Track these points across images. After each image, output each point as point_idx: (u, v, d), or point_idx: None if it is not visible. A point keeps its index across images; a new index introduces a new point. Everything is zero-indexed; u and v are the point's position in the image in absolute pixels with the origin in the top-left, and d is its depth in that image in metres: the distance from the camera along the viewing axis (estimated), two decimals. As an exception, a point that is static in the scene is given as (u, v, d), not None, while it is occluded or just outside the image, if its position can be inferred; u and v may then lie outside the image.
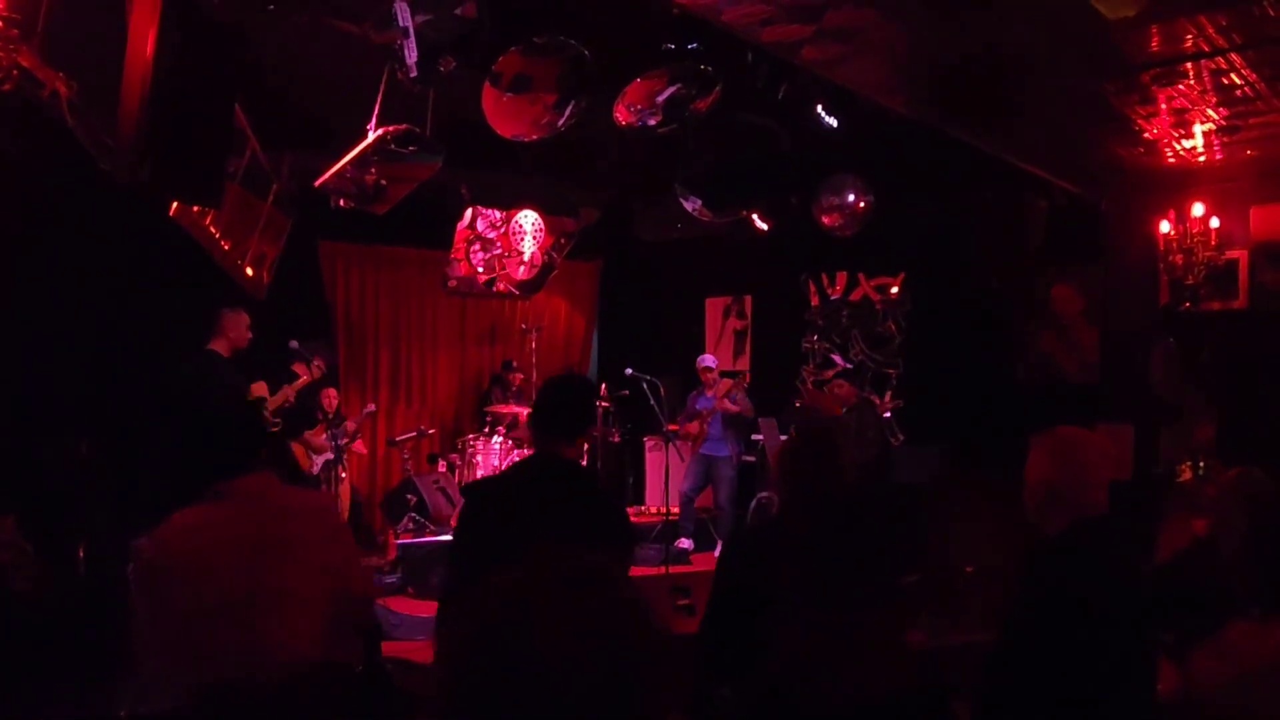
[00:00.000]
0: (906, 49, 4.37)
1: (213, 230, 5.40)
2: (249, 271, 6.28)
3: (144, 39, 3.19)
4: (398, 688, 2.77)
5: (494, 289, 9.19)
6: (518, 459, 8.29)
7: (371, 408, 8.18)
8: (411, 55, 4.75)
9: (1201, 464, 3.45)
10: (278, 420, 6.22)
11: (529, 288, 9.39)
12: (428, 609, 5.82)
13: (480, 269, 9.05)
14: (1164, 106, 5.12)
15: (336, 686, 2.45)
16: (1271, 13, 3.86)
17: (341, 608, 2.50)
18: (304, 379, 6.48)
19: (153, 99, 3.15)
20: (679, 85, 5.65)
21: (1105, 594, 2.22)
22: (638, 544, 3.02)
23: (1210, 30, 4.06)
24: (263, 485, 2.51)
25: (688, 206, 7.77)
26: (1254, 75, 4.62)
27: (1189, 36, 4.13)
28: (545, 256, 9.28)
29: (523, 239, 9.15)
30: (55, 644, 3.91)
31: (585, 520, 2.74)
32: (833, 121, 5.96)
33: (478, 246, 9.02)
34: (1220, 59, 4.39)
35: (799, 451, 2.81)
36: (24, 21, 3.86)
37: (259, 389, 6.15)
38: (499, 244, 9.07)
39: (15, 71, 3.93)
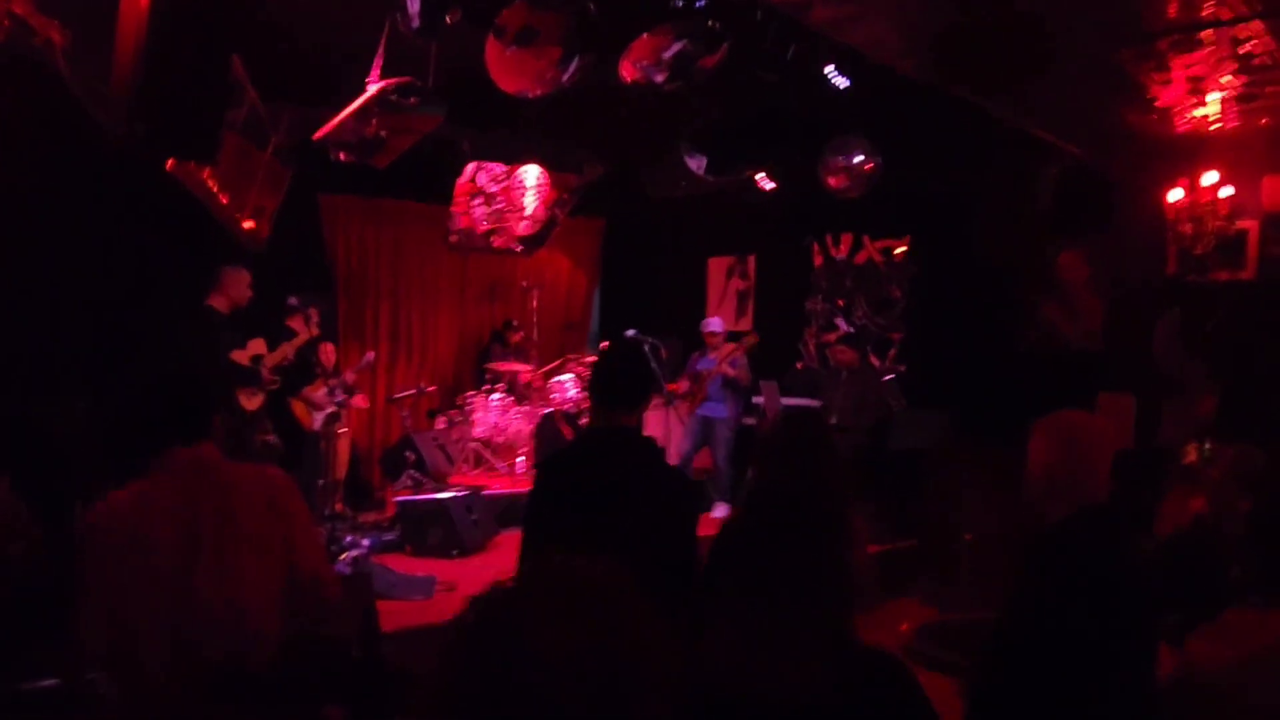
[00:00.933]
0: (920, 11, 4.27)
1: (210, 184, 5.33)
2: (249, 224, 6.21)
3: (138, -8, 3.10)
4: (392, 670, 2.74)
5: (493, 242, 9.10)
6: (528, 415, 8.32)
7: (371, 356, 8.15)
8: (414, 4, 4.67)
9: (1207, 445, 3.42)
10: (277, 378, 6.18)
11: (531, 243, 9.30)
12: (425, 567, 5.85)
13: (482, 223, 8.96)
14: (1180, 74, 5.02)
15: (302, 665, 2.43)
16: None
17: (293, 584, 2.47)
18: (303, 336, 6.44)
19: (148, 52, 3.07)
20: (686, 42, 5.55)
21: (1106, 585, 2.20)
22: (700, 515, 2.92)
23: (1232, -3, 3.97)
24: (204, 457, 2.47)
25: (692, 164, 7.68)
26: (1274, 43, 4.52)
27: (1209, 3, 4.03)
28: (548, 212, 9.18)
29: (525, 194, 9.05)
30: (48, 607, 3.89)
31: (655, 495, 2.69)
32: (844, 82, 5.85)
33: (480, 200, 8.93)
34: (1240, 26, 4.29)
35: (775, 442, 2.75)
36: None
37: (257, 346, 6.11)
38: (501, 198, 8.98)
39: (7, 21, 3.87)
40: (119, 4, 3.48)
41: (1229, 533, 2.89)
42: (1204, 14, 4.13)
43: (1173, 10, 4.11)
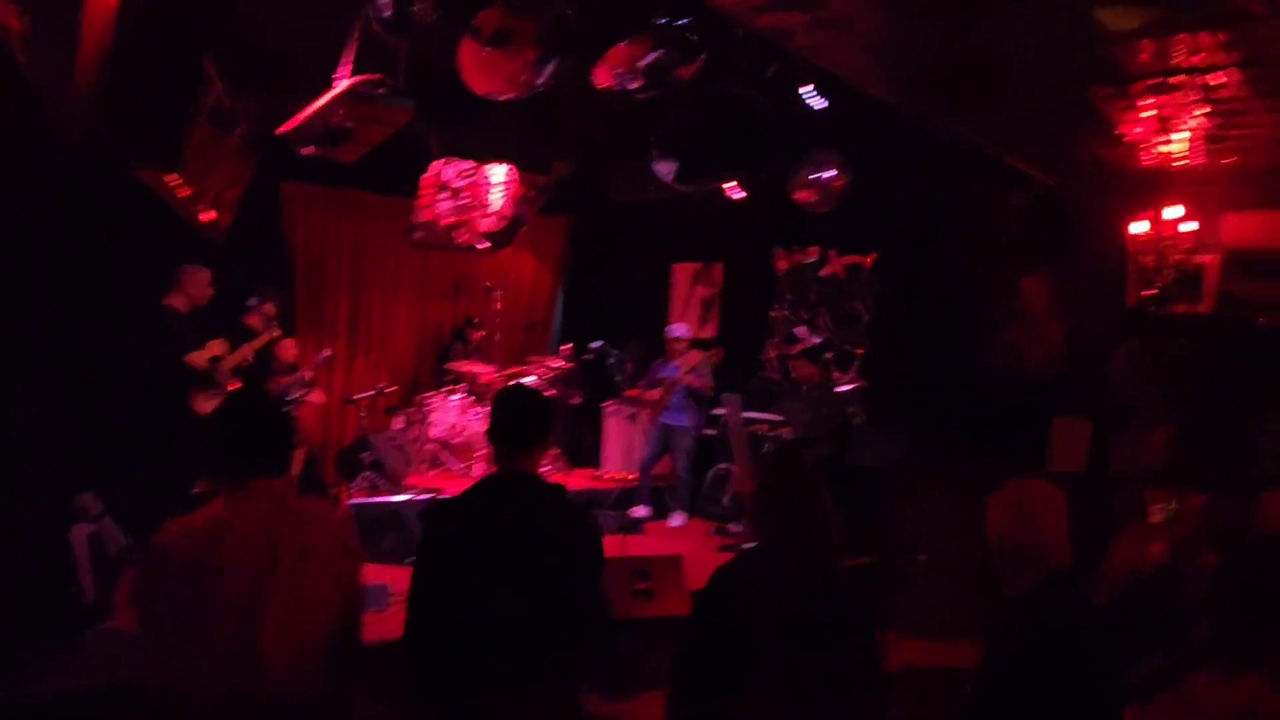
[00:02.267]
0: (902, 44, 4.27)
1: (172, 178, 5.18)
2: (209, 215, 6.05)
3: (106, -10, 2.99)
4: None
5: (456, 238, 8.96)
6: (487, 416, 8.12)
7: (328, 352, 7.99)
8: None
9: (1173, 505, 3.47)
10: (237, 380, 6.04)
11: (498, 240, 9.17)
12: (378, 574, 5.74)
13: (447, 218, 8.83)
14: (1151, 113, 5.08)
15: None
16: (1276, 31, 3.81)
17: (348, 621, 2.50)
18: (264, 336, 6.30)
19: (114, 54, 2.96)
20: (662, 51, 5.51)
21: (1072, 655, 2.23)
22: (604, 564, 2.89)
23: (1209, 46, 4.01)
24: (282, 490, 2.49)
25: (661, 170, 7.64)
26: (1246, 90, 4.59)
27: (1187, 52, 4.07)
28: (515, 209, 9.07)
29: (491, 190, 8.93)
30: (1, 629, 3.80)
31: (555, 544, 2.65)
32: (821, 103, 5.86)
33: (445, 194, 8.79)
34: (1215, 73, 4.34)
35: (777, 493, 2.71)
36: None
37: (216, 347, 5.96)
38: (466, 193, 8.84)
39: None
40: (84, 4, 3.36)
41: (1193, 588, 2.93)
42: (1181, 61, 4.18)
43: (1151, 56, 4.15)
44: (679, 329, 8.30)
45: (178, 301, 5.67)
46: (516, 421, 2.75)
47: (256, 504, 2.43)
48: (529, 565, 2.58)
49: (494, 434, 2.77)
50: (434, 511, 2.89)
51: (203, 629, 2.32)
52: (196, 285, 5.72)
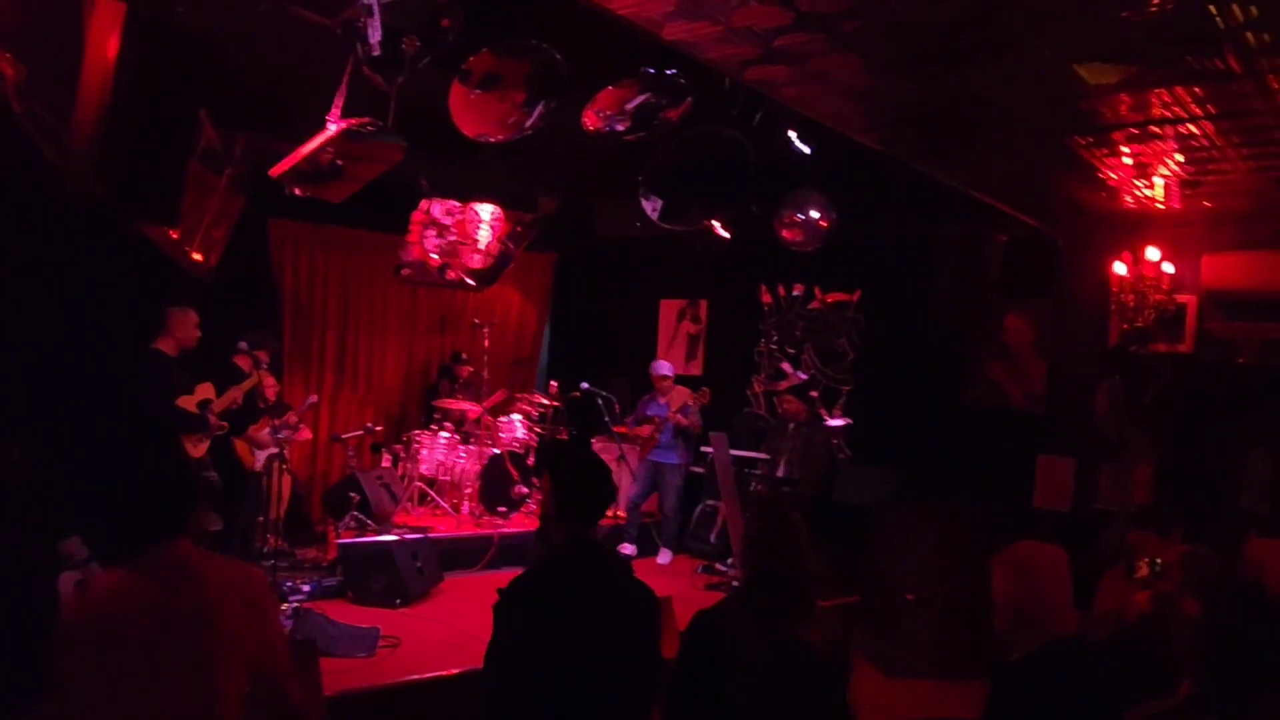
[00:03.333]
0: (886, 97, 4.35)
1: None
2: (197, 256, 6.06)
3: (104, 47, 3.02)
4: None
5: (446, 276, 9.00)
6: (475, 455, 8.15)
7: (314, 399, 8.01)
8: (375, 34, 4.61)
9: (1159, 561, 3.51)
10: (224, 424, 6.02)
11: (484, 278, 9.20)
12: (368, 617, 5.73)
13: (434, 254, 8.86)
14: (1130, 160, 5.18)
15: None
16: (1249, 88, 3.90)
17: (259, 684, 2.47)
18: (253, 380, 6.30)
19: (111, 112, 2.99)
20: (650, 94, 5.59)
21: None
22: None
23: (1186, 99, 4.10)
24: (183, 553, 2.48)
25: (648, 208, 7.69)
26: (1221, 140, 4.68)
27: (1163, 104, 4.16)
28: (501, 246, 9.11)
29: (479, 227, 8.98)
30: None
31: (633, 624, 2.63)
32: (805, 148, 5.94)
33: (433, 232, 8.83)
34: (1190, 124, 4.44)
35: (756, 546, 2.74)
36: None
37: (205, 390, 5.94)
38: (454, 230, 8.89)
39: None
40: (80, 46, 3.38)
41: (1179, 642, 2.95)
42: (1160, 113, 4.27)
43: (1130, 108, 4.24)
44: (663, 366, 8.34)
45: (166, 345, 5.65)
46: (586, 492, 2.65)
47: (155, 571, 2.42)
48: (614, 646, 2.52)
49: (563, 504, 2.63)
50: (513, 591, 2.60)
51: (105, 702, 2.32)
52: (184, 327, 5.71)
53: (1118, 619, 3.72)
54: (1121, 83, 3.91)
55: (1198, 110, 4.21)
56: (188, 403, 5.74)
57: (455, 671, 4.90)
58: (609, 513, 8.12)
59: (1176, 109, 4.23)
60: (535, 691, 2.42)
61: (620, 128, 5.82)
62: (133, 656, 2.33)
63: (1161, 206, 6.21)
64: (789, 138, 6.03)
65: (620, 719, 2.55)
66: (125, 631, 2.34)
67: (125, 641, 2.33)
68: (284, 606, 5.49)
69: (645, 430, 8.21)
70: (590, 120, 5.73)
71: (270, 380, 7.21)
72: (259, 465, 6.77)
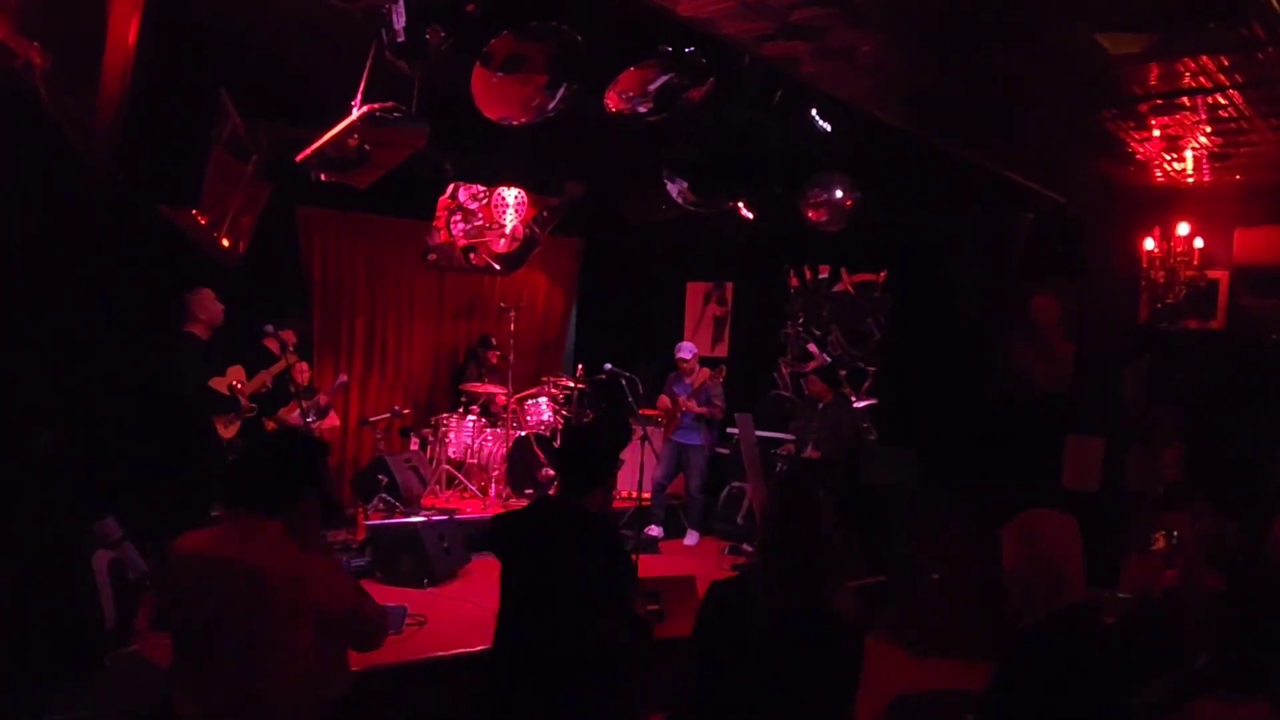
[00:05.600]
0: (907, 73, 4.31)
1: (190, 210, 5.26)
2: (226, 244, 6.15)
3: (125, 33, 3.07)
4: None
5: (471, 259, 9.06)
6: (502, 438, 8.31)
7: (344, 379, 8.07)
8: (400, 20, 4.64)
9: (1175, 534, 3.48)
10: (254, 406, 6.12)
11: (510, 262, 9.26)
12: (396, 596, 5.80)
13: (460, 239, 8.93)
14: (1158, 133, 5.11)
15: None
16: (1277, 55, 3.83)
17: (327, 630, 2.48)
18: (281, 364, 6.38)
19: (134, 93, 3.04)
20: (672, 74, 5.57)
21: (1079, 689, 2.22)
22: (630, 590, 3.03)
23: (1212, 68, 4.04)
24: (274, 532, 2.46)
25: (673, 190, 7.69)
26: (1250, 110, 4.61)
27: (1190, 74, 4.10)
28: (527, 230, 9.15)
29: (505, 211, 9.02)
30: (22, 655, 3.85)
31: (588, 568, 2.84)
32: (826, 126, 5.90)
33: (459, 216, 8.90)
34: (1219, 94, 4.37)
35: (777, 518, 2.74)
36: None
37: (235, 374, 6.04)
38: (480, 215, 8.95)
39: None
40: (104, 33, 3.44)
41: (1197, 611, 2.92)
42: (1185, 83, 4.21)
43: (1156, 78, 4.18)
44: (684, 349, 8.36)
45: (197, 329, 5.76)
46: (573, 462, 2.99)
47: (247, 538, 2.45)
48: (562, 585, 2.79)
49: (556, 466, 3.05)
50: (500, 517, 3.23)
51: (202, 652, 2.44)
52: (206, 308, 5.81)
53: (1141, 598, 3.69)
54: (1144, 52, 3.86)
55: (1225, 80, 4.15)
56: (219, 384, 5.85)
57: (480, 649, 4.95)
58: (626, 493, 8.25)
59: (1203, 79, 4.17)
60: (501, 608, 2.96)
61: (643, 109, 5.80)
62: (197, 615, 2.43)
63: (1191, 181, 6.12)
64: (811, 117, 5.99)
65: (563, 636, 2.81)
66: (216, 588, 2.42)
67: (216, 598, 2.41)
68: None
69: (664, 402, 8.25)
70: (613, 102, 5.72)
71: (302, 365, 7.30)
72: (289, 448, 6.86)
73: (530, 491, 8.21)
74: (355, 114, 5.14)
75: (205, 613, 2.43)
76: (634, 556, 3.42)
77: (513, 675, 2.91)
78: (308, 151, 5.39)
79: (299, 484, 2.52)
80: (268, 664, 2.38)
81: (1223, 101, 4.49)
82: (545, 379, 9.31)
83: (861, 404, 8.37)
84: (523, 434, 8.37)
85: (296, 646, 2.39)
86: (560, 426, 8.84)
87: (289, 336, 6.61)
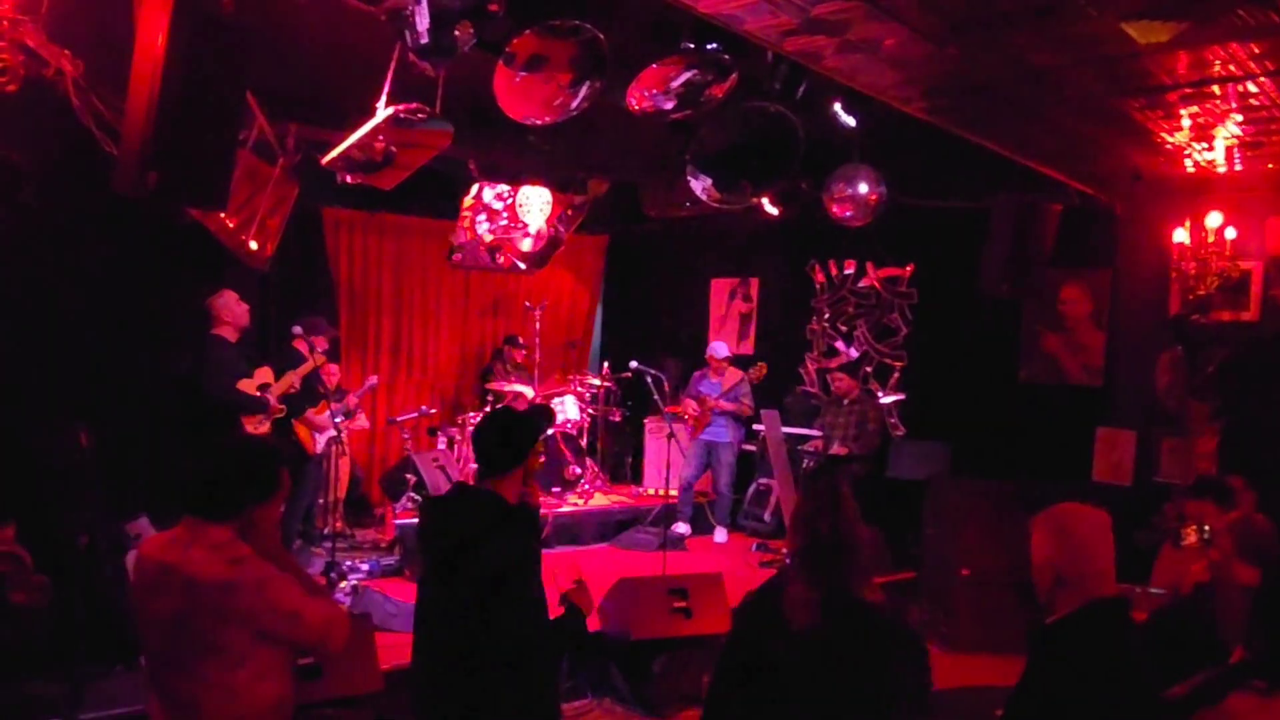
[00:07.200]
0: (932, 65, 4.28)
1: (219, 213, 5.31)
2: (254, 246, 6.20)
3: (154, 39, 3.10)
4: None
5: (498, 259, 9.10)
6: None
7: (373, 380, 8.13)
8: (423, 22, 4.66)
9: (1207, 528, 3.44)
10: (283, 406, 6.18)
11: (535, 261, 9.29)
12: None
13: (486, 238, 8.96)
14: (1187, 122, 5.04)
15: None
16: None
17: (263, 638, 2.48)
18: (309, 364, 6.43)
19: (161, 101, 3.07)
20: (694, 71, 5.56)
21: (1109, 684, 2.19)
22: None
23: (1241, 56, 3.98)
24: (218, 538, 2.47)
25: (696, 186, 7.68)
26: (1279, 94, 4.54)
27: (1219, 62, 4.05)
28: (552, 229, 9.18)
29: (529, 211, 9.05)
30: (57, 650, 3.91)
31: (488, 553, 2.78)
32: (850, 120, 5.88)
33: (484, 216, 8.93)
34: (1248, 82, 4.31)
35: (807, 516, 2.72)
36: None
37: (264, 374, 6.10)
38: (505, 214, 8.98)
39: (20, 55, 3.86)
40: (133, 40, 3.48)
41: (1232, 605, 2.89)
42: (1214, 71, 4.15)
43: (1185, 67, 4.13)
44: (721, 349, 8.34)
45: (225, 331, 5.83)
46: (479, 448, 3.00)
47: (191, 543, 2.46)
48: (458, 571, 2.77)
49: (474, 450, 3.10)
50: (426, 499, 3.26)
51: (152, 656, 2.51)
52: (230, 311, 5.89)
53: (1173, 592, 3.66)
54: (1173, 41, 3.81)
55: (1255, 68, 4.09)
56: (248, 386, 5.91)
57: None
58: (651, 490, 8.25)
59: (1232, 67, 4.11)
60: (417, 598, 3.01)
61: (667, 106, 5.80)
62: (146, 619, 2.48)
63: (1223, 170, 6.03)
64: (834, 111, 5.97)
65: (461, 624, 2.75)
66: (153, 589, 2.47)
67: (150, 601, 2.47)
68: (343, 584, 5.63)
69: (688, 405, 8.24)
70: (635, 100, 5.71)
71: (331, 368, 7.36)
72: (319, 447, 6.92)
73: (557, 489, 8.23)
74: (380, 116, 5.19)
75: (149, 616, 2.46)
76: (538, 545, 3.28)
77: (423, 666, 2.94)
78: (334, 154, 5.44)
79: (242, 493, 2.54)
80: (204, 670, 2.40)
81: (1253, 89, 4.42)
82: (571, 377, 9.33)
83: (888, 399, 8.33)
84: (549, 432, 8.39)
85: (231, 654, 2.40)
86: (587, 425, 8.86)
87: (320, 343, 6.68)
